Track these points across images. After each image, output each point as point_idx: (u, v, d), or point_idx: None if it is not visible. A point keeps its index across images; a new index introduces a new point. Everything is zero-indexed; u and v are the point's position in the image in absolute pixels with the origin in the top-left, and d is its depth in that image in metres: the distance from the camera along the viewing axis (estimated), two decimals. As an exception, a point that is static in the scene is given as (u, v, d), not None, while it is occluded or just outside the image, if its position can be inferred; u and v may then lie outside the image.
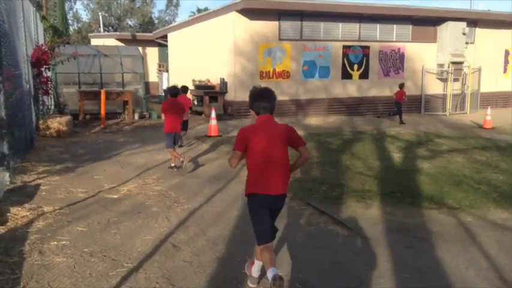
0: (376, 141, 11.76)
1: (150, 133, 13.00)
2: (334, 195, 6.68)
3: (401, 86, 16.49)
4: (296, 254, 4.67)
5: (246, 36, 16.14)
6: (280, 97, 16.82)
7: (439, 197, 6.52)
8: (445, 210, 6.03)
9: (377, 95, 18.49)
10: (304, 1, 16.35)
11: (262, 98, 3.78)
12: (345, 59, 17.76)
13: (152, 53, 27.79)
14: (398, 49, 18.65)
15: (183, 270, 4.19)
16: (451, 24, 18.54)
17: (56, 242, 4.78)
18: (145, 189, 7.07)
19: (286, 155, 3.75)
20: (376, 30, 18.14)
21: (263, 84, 16.48)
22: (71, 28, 35.88)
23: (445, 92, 19.47)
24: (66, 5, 36.56)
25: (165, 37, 24.52)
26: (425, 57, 19.05)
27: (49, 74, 13.46)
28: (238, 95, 16.38)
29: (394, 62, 18.70)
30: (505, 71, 21.25)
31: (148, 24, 46.60)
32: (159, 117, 16.05)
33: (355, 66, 18.04)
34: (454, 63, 18.76)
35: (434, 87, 19.39)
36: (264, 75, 16.56)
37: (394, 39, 18.51)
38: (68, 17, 33.29)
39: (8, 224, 5.27)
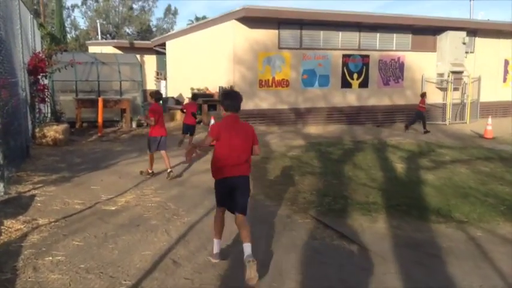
0: (377, 151, 11.60)
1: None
2: (338, 208, 6.50)
3: (423, 95, 16.64)
4: (302, 269, 4.49)
5: (246, 44, 16.01)
6: (279, 106, 16.81)
7: (446, 210, 6.35)
8: (453, 224, 5.86)
9: (376, 104, 18.37)
10: (303, 10, 16.25)
11: (230, 98, 4.61)
12: (344, 67, 17.65)
13: (150, 61, 27.63)
14: (398, 58, 18.56)
15: (184, 289, 4.00)
16: (450, 33, 18.48)
17: (51, 258, 4.57)
18: (143, 200, 6.87)
19: (250, 148, 4.57)
20: (376, 39, 18.06)
21: (262, 93, 16.38)
22: (68, 36, 35.75)
23: (444, 102, 19.37)
24: (64, 12, 36.44)
25: (163, 45, 24.39)
26: (425, 67, 18.96)
27: (46, 81, 13.28)
28: (237, 103, 16.21)
29: (394, 71, 18.60)
30: (504, 80, 21.18)
31: (146, 32, 46.59)
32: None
33: (355, 75, 17.92)
34: (453, 72, 18.68)
35: (434, 97, 19.26)
36: (263, 83, 16.42)
37: (394, 48, 18.42)
38: (66, 25, 33.15)
39: (1, 237, 5.06)
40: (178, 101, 20.02)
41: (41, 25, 16.14)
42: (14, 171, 8.02)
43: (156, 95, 8.82)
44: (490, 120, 15.42)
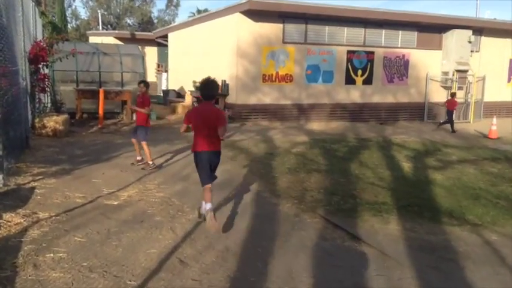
0: (382, 149, 11.42)
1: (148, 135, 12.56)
2: (348, 208, 6.32)
3: (453, 95, 16.52)
4: (314, 272, 4.31)
5: (250, 38, 15.78)
6: (282, 101, 16.59)
7: (459, 212, 6.17)
8: (467, 227, 5.68)
9: (380, 101, 18.17)
10: (309, 4, 15.99)
11: (206, 87, 5.48)
12: (349, 64, 17.42)
13: (151, 53, 27.32)
14: (403, 55, 18.34)
15: (193, 291, 3.82)
16: (456, 31, 18.26)
17: (52, 254, 4.37)
18: (146, 195, 6.67)
19: (216, 128, 5.28)
20: (381, 35, 17.83)
21: (266, 87, 16.17)
22: (69, 25, 35.38)
23: (448, 100, 19.18)
24: (65, 1, 36.05)
25: (165, 37, 24.10)
26: (429, 65, 18.75)
27: (46, 71, 13.04)
28: (240, 97, 16.02)
29: (399, 68, 18.39)
30: (509, 80, 20.98)
31: (147, 24, 46.18)
32: (158, 118, 15.69)
33: (359, 72, 17.71)
34: (458, 71, 18.48)
35: (438, 95, 19.08)
36: (266, 78, 16.19)
37: (399, 46, 18.20)
38: (67, 14, 32.77)
39: (1, 231, 4.86)
40: (179, 94, 19.79)
41: (42, 13, 15.85)
42: (13, 163, 7.80)
43: (148, 84, 9.12)
44: (494, 120, 15.23)
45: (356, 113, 17.74)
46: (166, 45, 24.31)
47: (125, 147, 10.47)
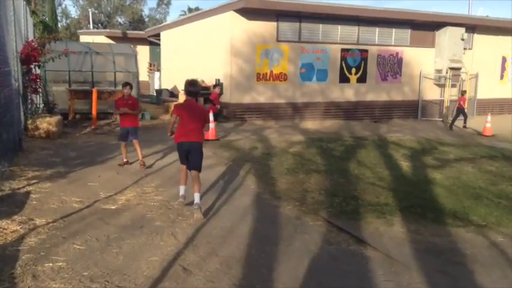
0: (379, 148, 11.36)
1: (143, 135, 12.34)
2: (350, 209, 6.23)
3: (464, 92, 16.91)
4: (319, 278, 4.21)
5: (244, 36, 15.65)
6: (276, 100, 16.50)
7: (462, 213, 6.11)
8: (472, 228, 5.61)
9: (374, 99, 18.16)
10: (303, 2, 15.90)
11: (191, 85, 6.00)
12: (343, 62, 17.37)
13: (143, 52, 27.05)
14: (397, 53, 18.32)
15: (198, 300, 3.70)
16: (450, 29, 18.27)
17: (51, 264, 4.24)
18: (145, 199, 6.54)
19: (201, 123, 5.94)
20: (375, 33, 17.80)
21: (260, 86, 16.06)
22: (59, 24, 34.96)
23: (442, 98, 19.23)
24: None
25: (157, 35, 23.87)
26: (423, 62, 18.75)
27: (38, 71, 12.82)
28: (235, 96, 15.90)
29: (392, 66, 18.37)
30: (501, 77, 21.08)
31: (138, 22, 45.86)
32: (152, 118, 15.52)
33: (353, 70, 17.66)
34: (452, 68, 18.50)
35: (431, 93, 19.13)
36: (261, 77, 16.08)
37: (393, 43, 18.18)
38: (57, 13, 32.36)
39: (-4, 240, 4.72)
40: (172, 93, 19.61)
41: (33, 12, 15.58)
42: (7, 166, 7.63)
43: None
44: (489, 117, 15.26)
45: (350, 111, 17.70)
46: (158, 44, 24.10)
47: (120, 148, 10.25)
